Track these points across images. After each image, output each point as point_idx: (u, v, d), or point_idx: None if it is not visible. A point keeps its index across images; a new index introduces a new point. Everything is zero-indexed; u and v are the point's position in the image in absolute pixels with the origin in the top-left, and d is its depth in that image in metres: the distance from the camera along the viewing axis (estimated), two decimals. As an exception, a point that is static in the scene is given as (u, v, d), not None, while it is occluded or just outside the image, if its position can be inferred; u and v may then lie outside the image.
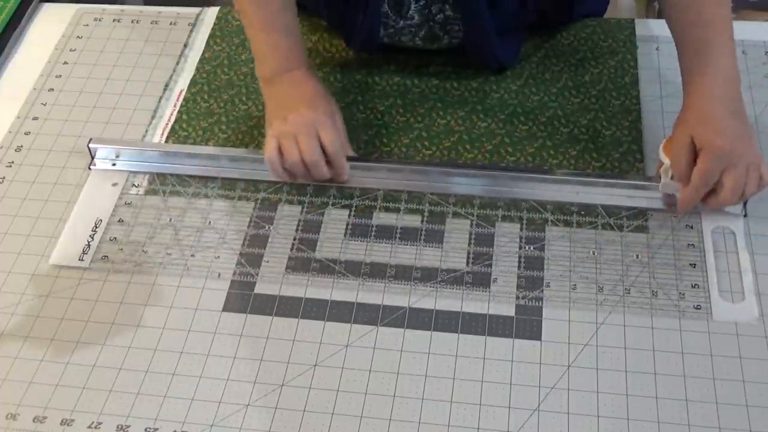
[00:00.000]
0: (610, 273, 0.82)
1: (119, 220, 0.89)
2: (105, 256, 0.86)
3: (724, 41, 0.82)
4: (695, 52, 0.83)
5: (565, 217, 0.86)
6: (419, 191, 0.89)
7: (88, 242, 0.87)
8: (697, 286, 0.80)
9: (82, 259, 0.86)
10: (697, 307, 0.79)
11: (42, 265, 0.86)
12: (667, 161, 0.83)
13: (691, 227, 0.85)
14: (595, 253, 0.83)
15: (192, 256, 0.86)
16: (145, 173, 0.93)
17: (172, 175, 0.93)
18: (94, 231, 0.88)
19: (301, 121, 0.85)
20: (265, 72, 0.91)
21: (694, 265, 0.82)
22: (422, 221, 0.87)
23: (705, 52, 0.82)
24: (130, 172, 0.93)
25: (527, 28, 1.02)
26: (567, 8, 1.02)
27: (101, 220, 0.89)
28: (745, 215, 0.84)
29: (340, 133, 0.87)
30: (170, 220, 0.89)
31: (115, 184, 0.92)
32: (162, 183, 0.92)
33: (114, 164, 0.94)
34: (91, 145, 0.93)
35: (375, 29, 0.95)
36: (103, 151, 0.94)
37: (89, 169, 0.94)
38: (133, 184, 0.92)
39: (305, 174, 0.86)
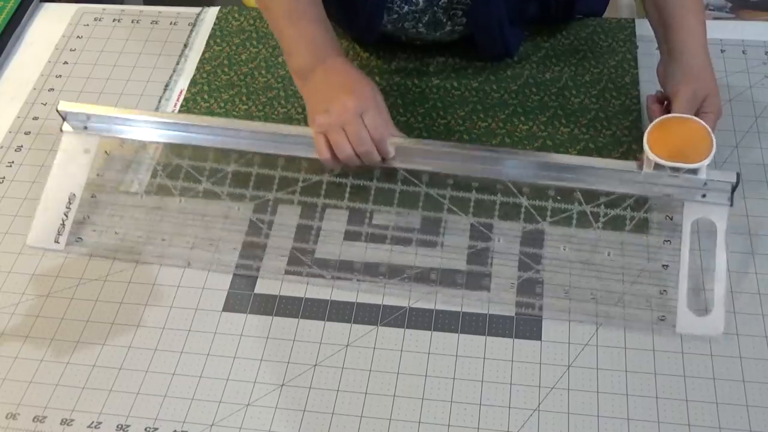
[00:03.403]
0: (608, 278, 0.82)
1: (92, 196, 0.90)
2: (79, 239, 0.87)
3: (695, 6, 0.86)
4: (671, 20, 0.86)
5: (545, 203, 0.85)
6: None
7: (63, 221, 0.87)
8: (665, 293, 0.79)
9: (58, 241, 0.87)
10: (662, 319, 0.78)
11: (42, 264, 0.87)
12: (652, 156, 0.79)
13: (671, 218, 0.84)
14: (595, 252, 0.83)
15: (163, 240, 0.86)
16: (117, 138, 0.91)
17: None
18: (68, 209, 0.88)
19: (345, 110, 0.81)
20: (298, 64, 0.87)
21: (666, 266, 0.81)
22: (422, 221, 0.87)
23: (678, 17, 0.85)
24: (102, 136, 0.91)
25: (528, 23, 1.02)
26: (569, 2, 1.02)
27: (75, 195, 0.88)
28: (731, 204, 0.80)
29: (384, 116, 0.84)
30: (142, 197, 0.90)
31: (87, 151, 0.90)
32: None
33: (85, 127, 0.90)
34: (60, 108, 0.90)
35: (378, 14, 0.95)
36: (74, 115, 0.91)
37: (61, 131, 0.91)
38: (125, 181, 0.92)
39: (359, 164, 0.84)
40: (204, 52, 1.06)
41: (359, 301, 0.82)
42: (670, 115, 0.82)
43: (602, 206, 0.84)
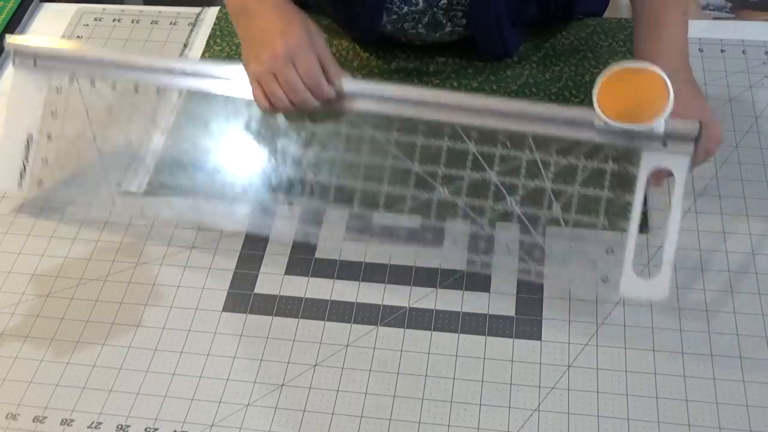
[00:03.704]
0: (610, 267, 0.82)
1: (48, 137, 0.89)
2: (41, 182, 0.88)
3: (675, 14, 0.82)
4: (648, 24, 0.83)
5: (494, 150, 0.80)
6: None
7: (24, 165, 0.87)
8: (612, 252, 0.77)
9: (22, 186, 0.88)
10: (605, 280, 0.77)
11: (42, 264, 0.87)
12: (600, 114, 0.72)
13: (626, 169, 0.77)
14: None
15: (118, 184, 0.88)
16: (67, 75, 0.88)
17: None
18: (28, 151, 0.87)
19: (275, 57, 0.77)
20: (231, 2, 0.83)
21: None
22: (422, 221, 0.87)
23: (657, 24, 0.82)
24: (53, 74, 0.88)
25: (528, 23, 1.02)
26: (568, 2, 1.02)
27: (32, 137, 0.87)
28: (694, 152, 0.73)
29: (322, 54, 0.80)
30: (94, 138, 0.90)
31: (39, 89, 0.88)
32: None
33: (35, 63, 0.87)
34: (7, 42, 0.88)
35: (377, 14, 0.95)
36: (23, 50, 0.88)
37: (13, 64, 0.89)
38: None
39: (296, 110, 0.80)
40: (204, 52, 1.06)
41: (359, 301, 0.82)
42: (623, 63, 0.73)
43: (554, 154, 0.78)
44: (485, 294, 0.81)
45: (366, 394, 0.75)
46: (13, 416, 0.76)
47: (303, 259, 0.85)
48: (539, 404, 0.74)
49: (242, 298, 0.83)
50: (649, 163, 0.73)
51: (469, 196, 0.80)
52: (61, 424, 0.75)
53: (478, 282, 0.82)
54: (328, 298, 0.82)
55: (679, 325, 0.78)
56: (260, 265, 0.85)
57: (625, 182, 0.76)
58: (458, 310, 0.80)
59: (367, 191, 0.83)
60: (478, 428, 0.73)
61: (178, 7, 1.13)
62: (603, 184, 0.77)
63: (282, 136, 0.87)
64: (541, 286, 0.81)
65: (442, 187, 0.81)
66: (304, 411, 0.75)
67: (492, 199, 0.80)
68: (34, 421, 0.76)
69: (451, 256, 0.81)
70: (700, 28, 1.02)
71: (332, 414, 0.74)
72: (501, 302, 0.81)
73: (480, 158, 0.79)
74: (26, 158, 0.87)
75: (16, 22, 1.11)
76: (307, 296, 0.82)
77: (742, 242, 0.84)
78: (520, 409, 0.74)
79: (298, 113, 0.81)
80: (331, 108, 0.80)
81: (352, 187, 0.84)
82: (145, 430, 0.74)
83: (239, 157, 0.92)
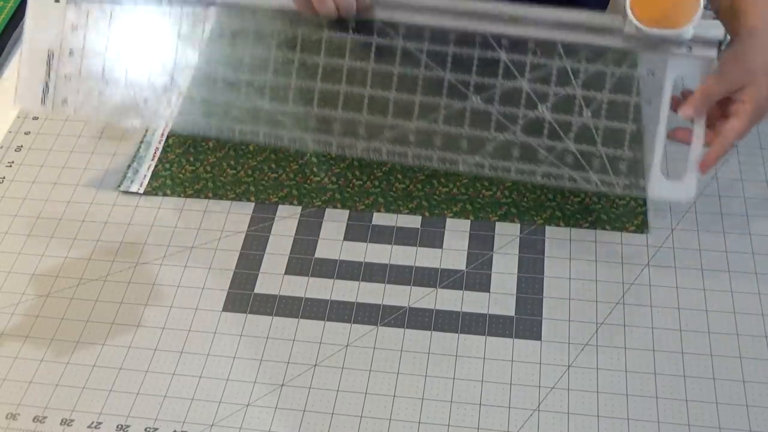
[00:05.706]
0: (609, 270, 0.82)
1: (70, 53, 0.85)
2: (65, 100, 0.85)
3: None
4: None
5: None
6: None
7: (47, 82, 0.84)
8: (639, 156, 0.76)
9: (44, 103, 0.84)
10: (630, 186, 0.76)
11: (42, 264, 0.87)
12: (633, 20, 0.72)
13: (653, 75, 0.78)
14: (595, 254, 0.83)
15: (146, 101, 0.83)
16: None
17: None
18: (49, 67, 0.84)
19: None
20: None
21: (645, 127, 0.77)
22: (422, 221, 0.87)
23: None
24: None
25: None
26: (568, 2, 1.02)
27: (53, 53, 0.84)
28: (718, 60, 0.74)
29: None
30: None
31: (57, 0, 0.84)
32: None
33: None
34: None
35: None
36: None
37: None
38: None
39: (336, 13, 0.78)
40: (204, 52, 1.06)
41: (359, 301, 0.82)
42: None
43: (583, 61, 0.78)
44: (485, 294, 0.81)
45: (366, 394, 0.75)
46: (13, 416, 0.76)
47: (303, 259, 0.85)
48: (539, 404, 0.74)
49: (242, 298, 0.83)
50: (674, 68, 0.75)
51: (502, 104, 0.78)
52: (61, 424, 0.75)
53: (478, 282, 0.82)
54: (328, 298, 0.82)
55: (679, 325, 0.78)
56: (260, 265, 0.85)
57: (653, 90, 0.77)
58: (458, 310, 0.80)
59: (400, 101, 0.80)
60: (478, 428, 0.73)
61: (178, 6, 1.13)
62: (631, 91, 0.77)
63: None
64: (541, 286, 0.81)
65: (475, 96, 0.79)
66: (304, 411, 0.75)
67: (524, 106, 0.79)
68: (34, 421, 0.76)
69: (451, 256, 0.81)
70: (700, 28, 1.02)
71: (332, 414, 0.74)
72: (501, 302, 0.81)
73: (511, 66, 0.78)
74: (48, 75, 0.83)
75: (16, 22, 1.11)
76: (307, 296, 0.82)
77: (742, 242, 0.84)
78: (520, 409, 0.74)
79: (338, 20, 0.79)
80: (363, 17, 0.79)
81: (385, 97, 0.80)
82: (145, 430, 0.74)
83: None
